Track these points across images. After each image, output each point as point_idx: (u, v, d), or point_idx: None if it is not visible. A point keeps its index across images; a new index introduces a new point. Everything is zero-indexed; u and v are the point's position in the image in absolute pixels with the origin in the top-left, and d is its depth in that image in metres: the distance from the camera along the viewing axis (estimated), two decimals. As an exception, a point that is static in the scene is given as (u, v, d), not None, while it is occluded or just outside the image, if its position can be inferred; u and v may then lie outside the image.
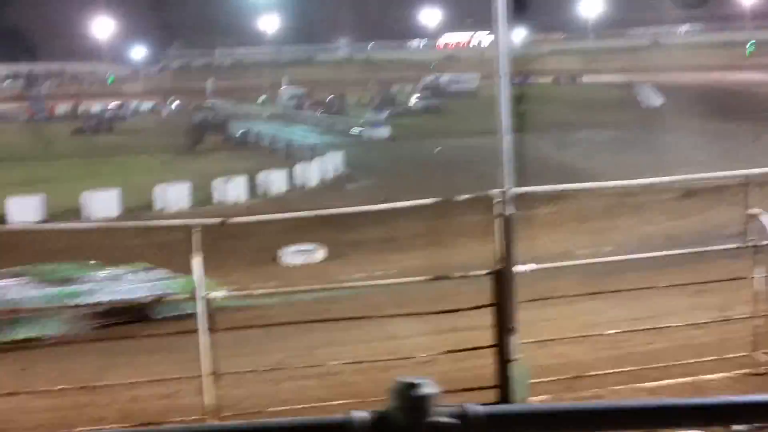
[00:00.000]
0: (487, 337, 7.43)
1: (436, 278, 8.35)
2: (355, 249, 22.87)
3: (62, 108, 77.99)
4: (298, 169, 36.65)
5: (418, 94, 67.44)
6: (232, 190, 33.20)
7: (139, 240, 20.29)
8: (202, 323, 7.54)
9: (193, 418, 7.59)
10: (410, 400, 1.95)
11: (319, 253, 22.92)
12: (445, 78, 73.46)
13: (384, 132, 50.92)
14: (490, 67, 7.50)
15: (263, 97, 73.61)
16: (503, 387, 7.42)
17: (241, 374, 8.19)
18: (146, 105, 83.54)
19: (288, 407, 7.86)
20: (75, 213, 29.18)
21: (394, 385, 1.98)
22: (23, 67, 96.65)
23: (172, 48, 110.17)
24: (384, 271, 19.19)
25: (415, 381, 1.97)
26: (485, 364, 7.52)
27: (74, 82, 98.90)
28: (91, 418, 8.05)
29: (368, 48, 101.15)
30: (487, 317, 7.37)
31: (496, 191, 7.24)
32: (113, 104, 79.84)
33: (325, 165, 38.25)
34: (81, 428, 7.58)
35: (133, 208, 30.14)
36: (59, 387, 7.70)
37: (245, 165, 37.52)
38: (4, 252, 14.50)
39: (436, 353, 8.88)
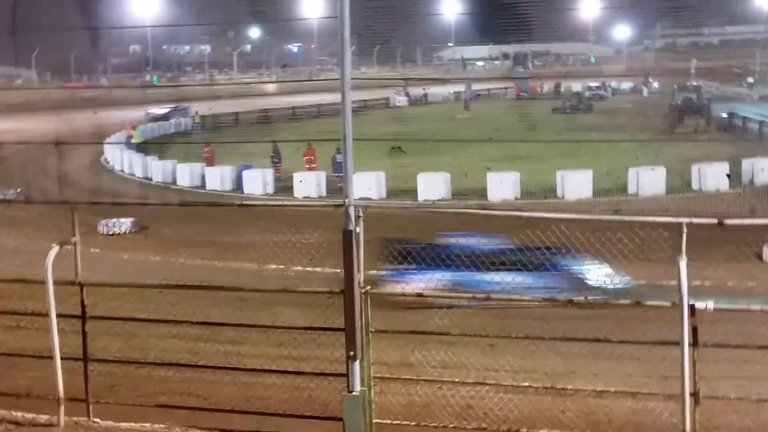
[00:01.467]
0: None
1: None
2: None
3: (545, 87, 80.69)
4: (793, 157, 32.89)
5: None
6: (712, 177, 30.84)
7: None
8: (684, 336, 6.65)
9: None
10: None
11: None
12: None
13: None
14: None
15: (752, 78, 68.06)
16: None
17: (726, 398, 7.13)
18: (626, 85, 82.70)
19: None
20: (550, 192, 29.56)
21: None
22: (511, 48, 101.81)
23: (656, 27, 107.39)
24: None
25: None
26: None
27: (558, 61, 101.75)
28: (553, 419, 7.64)
29: None
30: None
31: None
32: (593, 84, 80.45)
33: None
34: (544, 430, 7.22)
35: (605, 189, 29.64)
36: (526, 384, 7.40)
37: (728, 150, 34.77)
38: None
39: None
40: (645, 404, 7.68)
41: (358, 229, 7.22)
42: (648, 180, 30.05)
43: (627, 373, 9.04)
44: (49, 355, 8.10)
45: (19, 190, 32.41)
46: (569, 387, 7.81)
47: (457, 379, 8.17)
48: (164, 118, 60.99)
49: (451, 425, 7.62)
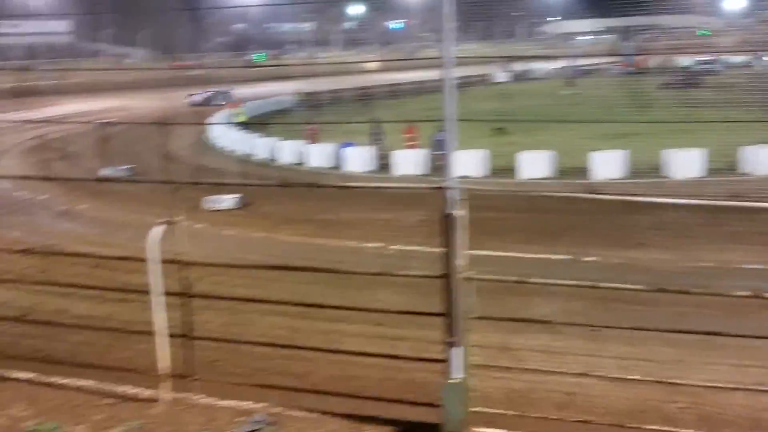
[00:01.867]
0: None
1: None
2: None
3: (652, 62, 78.24)
4: None
5: None
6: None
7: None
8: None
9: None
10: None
11: None
12: None
13: None
14: None
15: None
16: None
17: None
18: (737, 58, 79.17)
19: None
20: (656, 171, 28.57)
21: None
22: (617, 21, 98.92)
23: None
24: None
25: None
26: None
27: (666, 35, 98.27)
28: (660, 413, 7.29)
29: None
30: None
31: None
32: (703, 58, 77.35)
33: None
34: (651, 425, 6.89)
35: (718, 169, 28.43)
36: (632, 377, 7.07)
37: None
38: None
39: None
40: (760, 398, 7.27)
41: (460, 212, 7.01)
42: (763, 158, 28.65)
43: (740, 363, 8.58)
44: (152, 331, 8.23)
45: (130, 167, 33.52)
46: (679, 379, 7.45)
47: (560, 369, 7.89)
48: (205, 102, 60.85)
49: (553, 416, 7.35)
